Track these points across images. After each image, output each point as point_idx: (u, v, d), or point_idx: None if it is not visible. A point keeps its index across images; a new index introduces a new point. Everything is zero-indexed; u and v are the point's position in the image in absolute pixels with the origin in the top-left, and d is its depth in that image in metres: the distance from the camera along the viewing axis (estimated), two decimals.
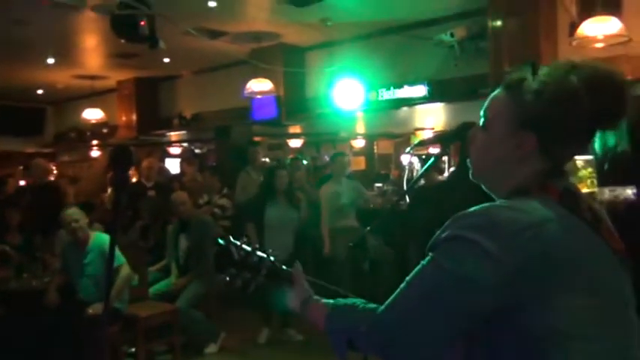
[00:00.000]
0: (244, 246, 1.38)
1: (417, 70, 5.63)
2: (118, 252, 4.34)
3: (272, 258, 1.40)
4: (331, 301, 1.24)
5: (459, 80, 5.47)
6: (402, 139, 7.72)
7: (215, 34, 5.94)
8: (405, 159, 7.60)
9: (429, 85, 5.48)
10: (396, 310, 1.07)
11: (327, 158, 7.63)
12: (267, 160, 7.78)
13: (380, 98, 6.04)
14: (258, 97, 6.54)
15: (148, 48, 4.33)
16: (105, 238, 4.43)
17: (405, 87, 5.76)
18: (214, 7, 4.99)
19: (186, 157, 9.09)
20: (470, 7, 5.20)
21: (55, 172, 9.96)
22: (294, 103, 6.94)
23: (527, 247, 0.99)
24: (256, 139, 8.17)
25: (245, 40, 6.18)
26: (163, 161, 9.37)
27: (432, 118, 6.97)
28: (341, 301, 1.22)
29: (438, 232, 1.06)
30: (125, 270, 4.31)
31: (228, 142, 7.57)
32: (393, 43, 5.79)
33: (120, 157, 1.28)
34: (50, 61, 7.28)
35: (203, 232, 5.10)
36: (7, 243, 5.00)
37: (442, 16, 5.41)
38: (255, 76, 6.59)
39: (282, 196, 5.13)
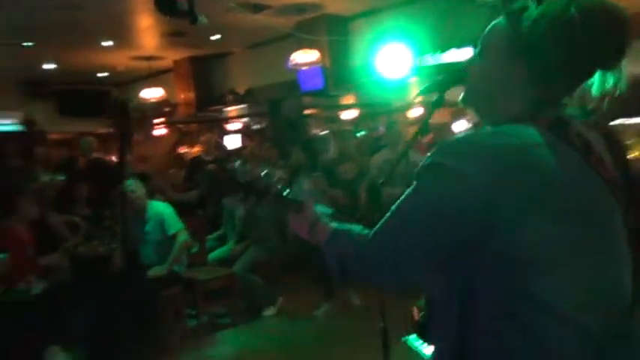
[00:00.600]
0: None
1: (462, 33, 5.51)
2: (175, 219, 4.62)
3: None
4: (336, 225, 1.27)
5: None
6: (459, 106, 7.59)
7: (258, 8, 6.02)
8: (456, 126, 7.52)
9: (475, 47, 5.38)
10: (381, 237, 1.11)
11: (382, 130, 7.61)
12: (323, 132, 7.87)
13: (426, 64, 5.97)
14: (304, 68, 6.63)
15: (197, 26, 4.49)
16: (161, 206, 4.71)
17: (453, 50, 5.66)
18: None
19: (246, 132, 9.36)
20: None
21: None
22: (341, 72, 6.96)
23: (504, 171, 0.99)
24: (308, 111, 8.30)
25: (289, 12, 6.23)
26: (222, 138, 9.68)
27: None
28: (343, 226, 1.25)
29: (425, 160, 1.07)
30: (183, 236, 4.58)
31: (281, 116, 7.72)
32: (437, 7, 5.68)
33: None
34: (108, 43, 7.62)
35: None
36: (78, 214, 5.39)
37: None
38: (302, 48, 6.67)
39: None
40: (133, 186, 4.64)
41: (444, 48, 5.83)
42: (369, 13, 6.66)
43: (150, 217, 4.63)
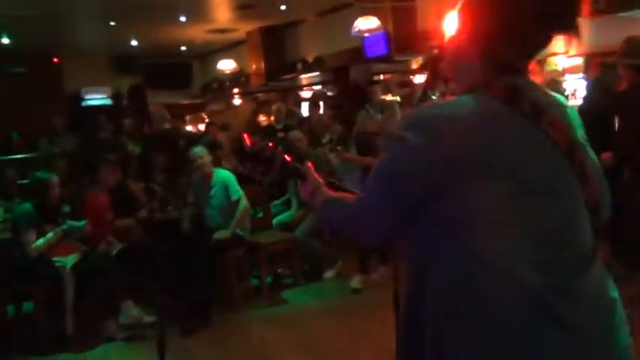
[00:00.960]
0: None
1: None
2: (237, 186, 4.90)
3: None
4: (335, 194, 1.44)
5: None
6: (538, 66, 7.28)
7: None
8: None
9: None
10: (360, 199, 1.27)
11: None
12: (397, 98, 7.82)
13: None
14: (367, 35, 6.62)
15: None
16: (225, 173, 4.99)
17: None
18: None
19: (312, 100, 9.53)
20: None
21: (206, 120, 11.04)
22: (405, 38, 6.89)
23: (449, 139, 1.07)
24: (379, 77, 8.28)
25: None
26: (299, 105, 9.90)
27: (565, 41, 6.47)
28: (338, 194, 1.43)
29: None
30: (243, 202, 4.85)
31: (348, 83, 7.78)
32: None
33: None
34: (182, 18, 7.99)
35: (316, 167, 5.46)
36: (155, 182, 5.83)
37: None
38: (366, 14, 6.66)
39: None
40: (201, 153, 4.94)
41: None
42: None
43: (215, 183, 4.91)
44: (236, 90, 11.37)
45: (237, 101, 11.76)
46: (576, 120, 1.22)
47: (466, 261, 1.08)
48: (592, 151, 1.25)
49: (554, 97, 1.21)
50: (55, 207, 4.37)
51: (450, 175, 1.08)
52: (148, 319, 4.25)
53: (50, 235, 4.15)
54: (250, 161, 1.82)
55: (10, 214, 4.75)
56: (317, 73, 9.28)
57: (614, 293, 1.15)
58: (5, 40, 8.61)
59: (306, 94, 10.39)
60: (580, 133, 1.21)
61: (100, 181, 4.79)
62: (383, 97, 7.43)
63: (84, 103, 11.02)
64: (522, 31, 1.12)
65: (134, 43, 10.00)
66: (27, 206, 4.21)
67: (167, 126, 6.56)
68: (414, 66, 8.42)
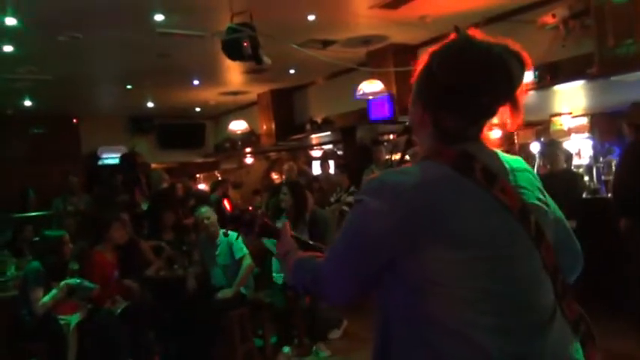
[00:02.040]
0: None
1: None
2: (241, 244, 4.96)
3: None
4: (305, 255, 1.45)
5: (566, 61, 5.22)
6: (542, 126, 7.39)
7: (327, 43, 6.38)
8: (534, 147, 7.31)
9: (535, 69, 5.33)
10: (326, 261, 1.29)
11: None
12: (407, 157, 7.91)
13: None
14: (371, 97, 6.83)
15: (275, 62, 4.89)
16: (231, 233, 5.07)
17: None
18: (314, 20, 5.42)
19: (322, 159, 9.71)
20: None
21: (219, 177, 11.24)
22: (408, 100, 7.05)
23: (404, 206, 1.11)
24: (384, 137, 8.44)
25: (355, 45, 6.51)
26: (310, 164, 10.06)
27: (569, 101, 6.59)
28: (307, 255, 1.43)
29: None
30: (247, 260, 4.90)
31: (354, 142, 7.95)
32: (498, 31, 5.66)
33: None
34: (195, 82, 8.33)
35: (322, 226, 5.50)
36: (163, 239, 5.92)
37: None
38: (372, 77, 6.89)
39: None
40: (208, 213, 5.03)
41: None
42: (434, 40, 6.66)
43: (221, 242, 4.97)
44: (248, 149, 11.63)
45: (249, 160, 11.99)
46: (533, 183, 1.25)
47: (425, 323, 1.12)
48: (557, 212, 1.29)
49: (512, 161, 1.25)
50: (64, 265, 4.45)
51: (404, 240, 1.12)
52: None
53: (54, 291, 4.21)
54: (231, 225, 1.91)
55: (20, 272, 4.84)
56: (327, 132, 9.50)
57: (578, 355, 1.17)
58: (27, 103, 9.01)
59: (316, 152, 10.59)
60: (537, 195, 1.23)
61: (108, 239, 4.88)
62: (388, 156, 7.59)
63: (100, 162, 11.31)
64: (460, 102, 1.18)
65: (150, 104, 10.38)
66: (36, 264, 4.30)
67: (165, 186, 6.72)
68: None
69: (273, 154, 11.51)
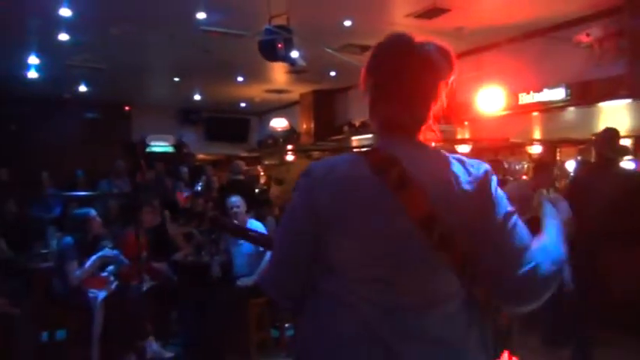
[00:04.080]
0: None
1: (558, 73, 5.44)
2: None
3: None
4: None
5: (598, 81, 5.19)
6: (585, 146, 7.25)
7: (364, 49, 6.48)
8: (570, 165, 7.20)
9: (567, 87, 5.31)
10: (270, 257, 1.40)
11: (505, 165, 7.46)
12: None
13: (520, 102, 5.94)
14: None
15: (317, 64, 5.03)
16: (257, 223, 5.28)
17: (545, 90, 5.61)
18: (351, 26, 5.57)
19: None
20: (609, 4, 4.92)
21: (262, 173, 11.53)
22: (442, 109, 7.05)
23: (319, 194, 1.22)
24: None
25: None
26: None
27: (612, 122, 6.46)
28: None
29: None
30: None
31: None
32: (534, 46, 5.67)
33: None
34: (240, 79, 8.60)
35: None
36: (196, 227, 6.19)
37: (582, 16, 5.18)
38: None
39: None
40: (237, 202, 5.25)
41: (538, 88, 5.77)
42: (469, 52, 6.70)
43: None
44: (290, 147, 11.85)
45: (289, 157, 12.22)
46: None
47: (321, 296, 1.26)
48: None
49: (447, 161, 1.23)
50: (94, 241, 4.76)
51: (316, 223, 1.23)
52: (167, 355, 4.49)
53: (91, 260, 4.51)
54: (183, 217, 2.05)
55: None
56: (367, 135, 9.59)
57: (462, 341, 1.21)
58: (83, 88, 9.52)
59: None
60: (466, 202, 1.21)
61: (139, 222, 5.17)
62: None
63: (147, 150, 11.79)
64: (401, 95, 1.23)
65: (197, 97, 10.75)
66: (69, 239, 4.62)
67: (240, 177, 7.01)
68: (459, 135, 8.58)
69: (314, 154, 11.70)
